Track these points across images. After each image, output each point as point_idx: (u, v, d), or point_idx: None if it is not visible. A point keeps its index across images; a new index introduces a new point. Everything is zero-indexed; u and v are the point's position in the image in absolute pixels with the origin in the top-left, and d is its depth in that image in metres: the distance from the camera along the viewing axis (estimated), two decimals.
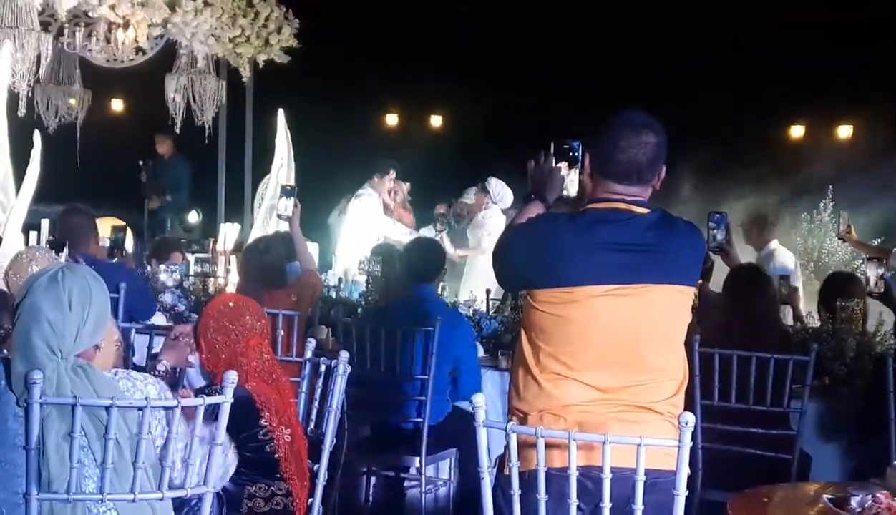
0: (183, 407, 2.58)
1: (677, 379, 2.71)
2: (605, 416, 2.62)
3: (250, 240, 6.90)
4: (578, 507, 2.50)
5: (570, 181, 2.87)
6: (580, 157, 2.82)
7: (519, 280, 2.83)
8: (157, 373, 3.55)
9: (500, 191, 8.21)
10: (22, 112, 6.81)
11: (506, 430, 2.50)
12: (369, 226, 8.00)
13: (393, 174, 8.24)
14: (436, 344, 4.65)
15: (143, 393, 2.56)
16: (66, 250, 4.99)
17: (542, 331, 2.69)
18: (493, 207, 8.24)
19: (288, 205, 5.28)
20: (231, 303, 3.44)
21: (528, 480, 2.51)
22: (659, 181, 2.76)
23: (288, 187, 5.51)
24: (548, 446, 2.48)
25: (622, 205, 2.71)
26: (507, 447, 2.54)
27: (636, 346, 2.66)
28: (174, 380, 3.67)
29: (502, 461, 2.64)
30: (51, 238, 5.49)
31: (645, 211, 2.72)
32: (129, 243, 8.08)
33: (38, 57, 6.52)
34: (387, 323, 4.80)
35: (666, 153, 2.75)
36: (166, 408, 2.64)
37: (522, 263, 2.72)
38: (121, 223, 6.55)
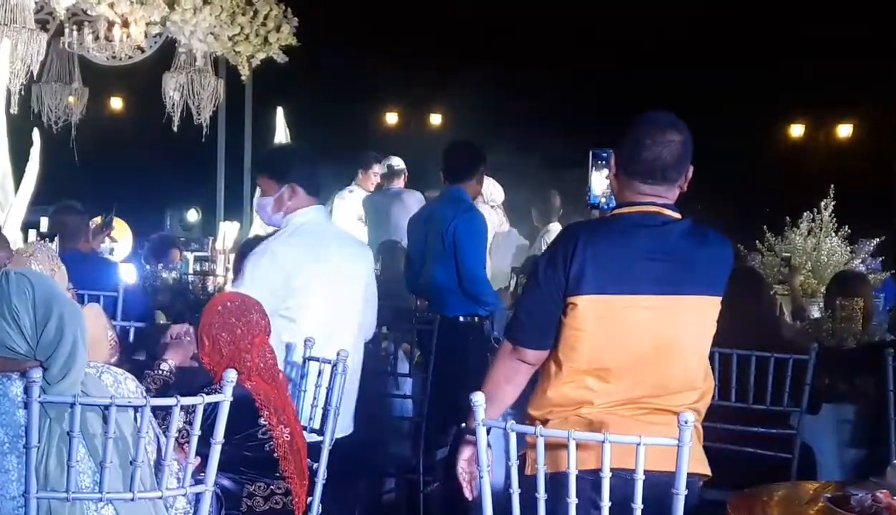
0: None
1: (701, 387, 2.73)
2: (630, 419, 2.63)
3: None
4: (596, 505, 2.48)
5: (606, 186, 2.87)
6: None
7: (556, 289, 2.68)
8: (161, 372, 3.54)
9: (491, 190, 8.21)
10: (14, 109, 6.79)
11: (505, 430, 2.49)
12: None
13: (376, 166, 8.23)
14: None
15: (124, 386, 2.55)
16: (55, 245, 5.00)
17: (571, 350, 2.68)
18: (485, 206, 8.24)
19: None
20: (238, 301, 3.42)
21: (550, 482, 2.48)
22: (686, 182, 2.75)
23: None
24: (557, 448, 2.47)
25: (653, 209, 2.70)
26: (531, 447, 2.53)
27: (665, 356, 2.66)
28: (179, 380, 3.65)
29: (525, 460, 2.63)
30: (43, 231, 5.50)
31: (676, 216, 2.71)
32: (128, 240, 8.11)
33: (32, 56, 6.52)
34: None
35: (691, 153, 2.73)
36: (164, 407, 2.63)
37: (561, 269, 2.66)
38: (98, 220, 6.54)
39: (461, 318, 5.13)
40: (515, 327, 2.78)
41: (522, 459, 2.63)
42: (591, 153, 2.90)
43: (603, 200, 2.87)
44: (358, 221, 8.11)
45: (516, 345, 2.75)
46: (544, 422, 2.68)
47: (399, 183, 8.19)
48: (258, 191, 4.18)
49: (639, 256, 2.65)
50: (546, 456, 2.50)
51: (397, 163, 8.22)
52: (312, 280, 3.81)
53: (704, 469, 2.75)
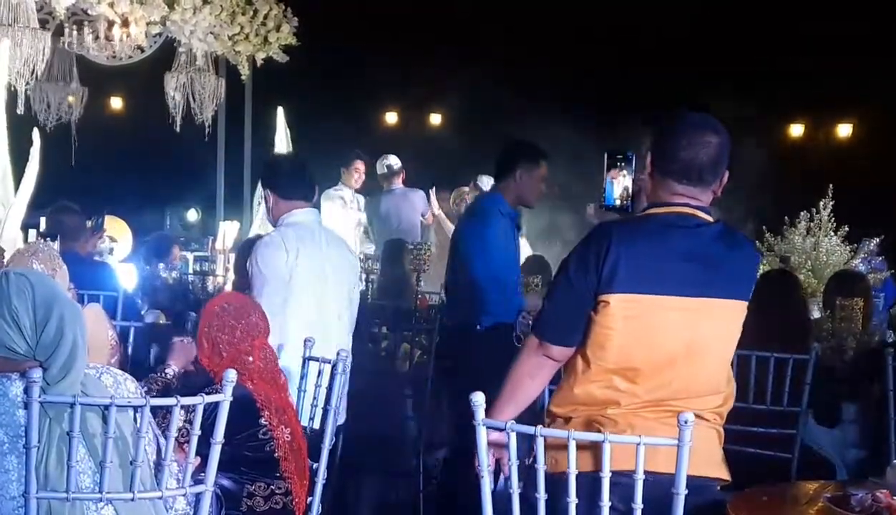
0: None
1: (724, 391, 2.74)
2: (655, 422, 2.62)
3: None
4: (614, 507, 2.49)
5: (623, 188, 2.85)
6: (633, 164, 2.79)
7: (587, 286, 2.66)
8: (164, 376, 3.54)
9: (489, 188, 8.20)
10: (21, 110, 6.80)
11: (506, 429, 2.49)
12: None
13: (358, 162, 8.25)
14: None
15: (123, 386, 2.55)
16: (57, 245, 5.00)
17: (600, 348, 2.66)
18: None
19: None
20: (236, 302, 3.43)
21: (556, 483, 2.48)
22: (721, 186, 2.74)
23: None
24: (580, 448, 2.47)
25: (687, 210, 2.68)
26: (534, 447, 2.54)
27: (693, 359, 2.65)
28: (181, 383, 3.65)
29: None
30: (42, 230, 5.49)
31: (710, 219, 2.70)
32: (127, 240, 8.12)
33: (36, 55, 6.52)
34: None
35: (728, 157, 2.72)
36: (164, 407, 2.63)
37: (594, 266, 2.64)
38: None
39: (478, 327, 4.77)
40: (543, 323, 2.76)
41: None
42: (605, 154, 2.87)
43: (618, 202, 2.83)
44: (345, 218, 8.14)
45: (543, 341, 2.73)
46: (567, 420, 2.67)
47: (398, 181, 8.19)
48: None
49: (672, 257, 2.64)
50: (555, 456, 2.51)
51: (395, 161, 8.23)
52: (300, 276, 4.00)
53: (725, 473, 2.74)
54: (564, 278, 2.72)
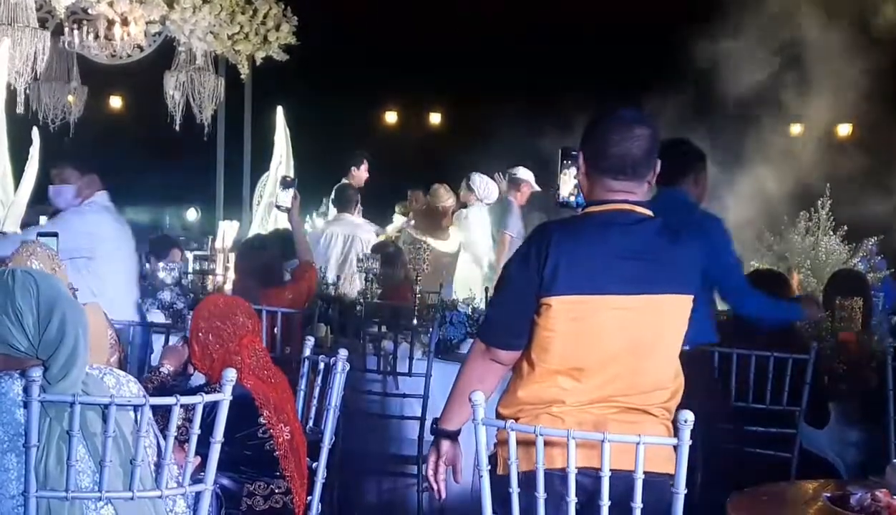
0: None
1: (671, 386, 2.71)
2: (602, 417, 2.62)
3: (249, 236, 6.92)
4: (566, 501, 2.49)
5: (574, 185, 2.85)
6: None
7: (529, 289, 2.66)
8: (160, 376, 3.55)
9: (486, 187, 8.17)
10: (21, 109, 6.80)
11: (506, 429, 2.49)
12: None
13: (365, 164, 8.25)
14: None
15: (126, 388, 2.54)
16: (56, 244, 5.01)
17: (544, 351, 2.66)
18: (478, 204, 8.21)
19: (287, 196, 5.25)
20: (221, 303, 3.44)
21: (522, 481, 2.50)
22: (654, 176, 2.74)
23: (287, 178, 5.49)
24: (528, 445, 2.48)
25: (626, 206, 2.68)
26: (502, 444, 2.55)
27: (637, 356, 2.64)
28: (178, 383, 3.66)
29: (494, 460, 2.64)
30: (43, 230, 5.49)
31: (648, 213, 2.70)
32: None
33: (35, 54, 6.53)
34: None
35: (658, 146, 2.73)
36: (164, 407, 2.63)
37: (535, 268, 2.63)
38: None
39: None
40: (488, 327, 2.77)
41: (494, 458, 2.65)
42: (560, 151, 2.88)
43: (572, 199, 2.84)
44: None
45: (489, 346, 2.74)
46: (514, 421, 2.65)
47: (514, 194, 8.01)
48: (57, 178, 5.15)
49: (612, 255, 2.63)
50: (516, 454, 2.50)
51: (522, 175, 8.05)
52: (114, 247, 4.90)
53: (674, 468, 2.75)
54: (507, 281, 2.73)
